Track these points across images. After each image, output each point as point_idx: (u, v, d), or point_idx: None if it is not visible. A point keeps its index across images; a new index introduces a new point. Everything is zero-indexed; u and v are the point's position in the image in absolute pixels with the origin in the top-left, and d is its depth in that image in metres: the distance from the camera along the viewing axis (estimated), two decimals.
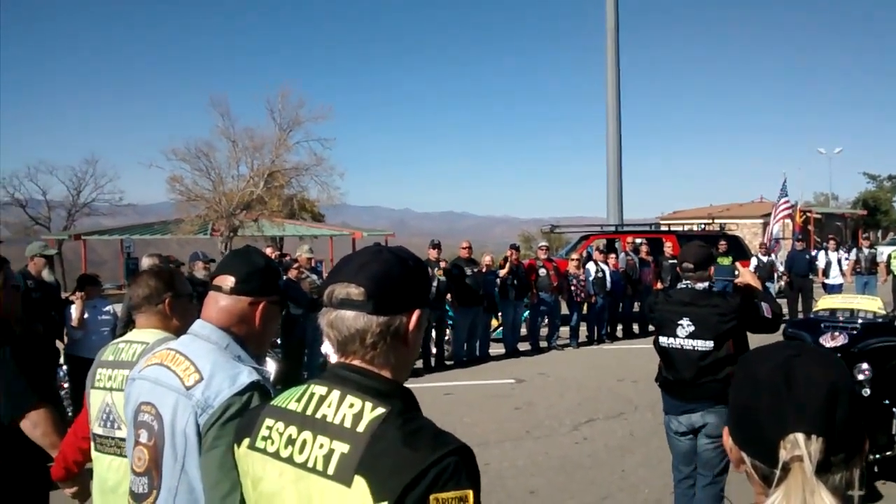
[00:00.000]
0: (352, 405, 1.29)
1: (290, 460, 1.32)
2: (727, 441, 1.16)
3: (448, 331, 11.49)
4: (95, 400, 2.56)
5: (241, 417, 1.73)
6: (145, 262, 7.24)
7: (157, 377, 1.98)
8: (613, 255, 13.93)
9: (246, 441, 1.42)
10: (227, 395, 1.83)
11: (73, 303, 7.34)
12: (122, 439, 2.45)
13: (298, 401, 1.37)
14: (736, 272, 4.32)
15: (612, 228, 18.60)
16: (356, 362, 1.35)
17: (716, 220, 27.08)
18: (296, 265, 9.53)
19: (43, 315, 6.95)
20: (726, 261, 4.60)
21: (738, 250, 15.63)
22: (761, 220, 34.98)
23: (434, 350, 11.05)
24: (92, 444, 2.58)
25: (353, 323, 1.33)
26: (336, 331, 1.35)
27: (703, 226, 26.53)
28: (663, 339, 4.22)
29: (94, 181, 41.04)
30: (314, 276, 10.15)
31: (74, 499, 2.78)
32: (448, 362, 11.23)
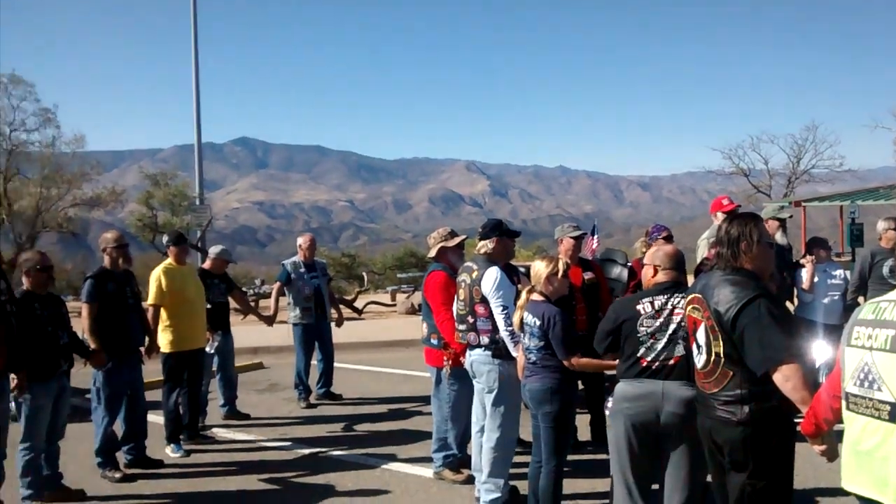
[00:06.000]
0: None
1: None
2: None
3: None
4: (851, 358, 2.58)
5: None
6: (880, 227, 7.11)
7: None
8: None
9: None
10: None
11: (803, 266, 7.53)
12: (881, 401, 2.42)
13: None
14: None
15: None
16: None
17: None
18: None
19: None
20: None
21: None
22: None
23: None
24: (843, 402, 2.60)
25: None
26: None
27: None
28: None
29: (813, 148, 40.80)
30: None
31: (823, 456, 2.85)
32: None
